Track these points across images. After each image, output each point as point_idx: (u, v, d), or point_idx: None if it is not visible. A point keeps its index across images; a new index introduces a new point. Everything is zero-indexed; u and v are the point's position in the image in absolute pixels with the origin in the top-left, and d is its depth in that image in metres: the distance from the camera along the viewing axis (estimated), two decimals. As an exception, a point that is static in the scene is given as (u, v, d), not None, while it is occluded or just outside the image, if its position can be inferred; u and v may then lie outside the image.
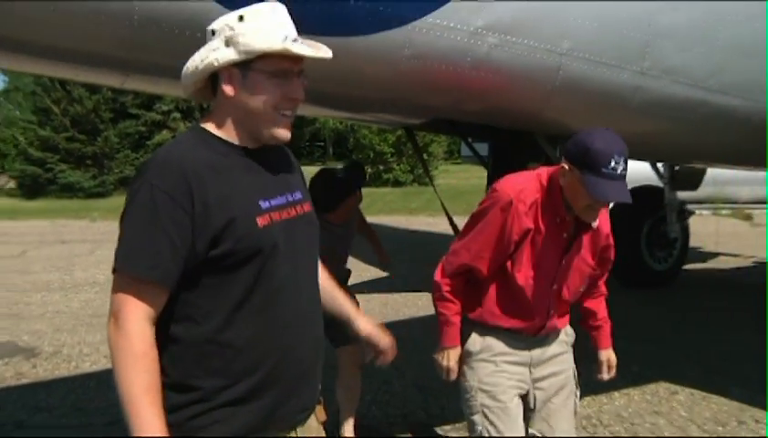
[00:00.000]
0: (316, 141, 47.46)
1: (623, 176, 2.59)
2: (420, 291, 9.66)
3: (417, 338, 7.49)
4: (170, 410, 1.85)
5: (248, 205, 1.93)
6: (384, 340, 2.49)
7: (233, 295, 1.93)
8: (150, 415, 1.78)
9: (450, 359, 3.00)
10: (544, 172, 2.85)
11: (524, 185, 2.79)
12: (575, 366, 3.13)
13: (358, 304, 2.83)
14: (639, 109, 3.90)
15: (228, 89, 1.95)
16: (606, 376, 3.25)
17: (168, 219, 1.84)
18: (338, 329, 4.24)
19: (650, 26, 3.72)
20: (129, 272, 1.85)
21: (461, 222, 5.27)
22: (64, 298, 9.82)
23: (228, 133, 2.01)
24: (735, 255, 12.64)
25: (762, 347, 6.92)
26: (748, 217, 17.53)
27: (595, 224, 2.82)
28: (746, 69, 3.95)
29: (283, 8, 1.98)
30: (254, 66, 1.92)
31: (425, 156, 33.50)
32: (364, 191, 4.93)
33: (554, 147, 3.97)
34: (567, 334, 3.13)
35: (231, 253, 1.89)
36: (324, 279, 2.41)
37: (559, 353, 3.06)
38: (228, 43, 1.92)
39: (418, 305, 9.10)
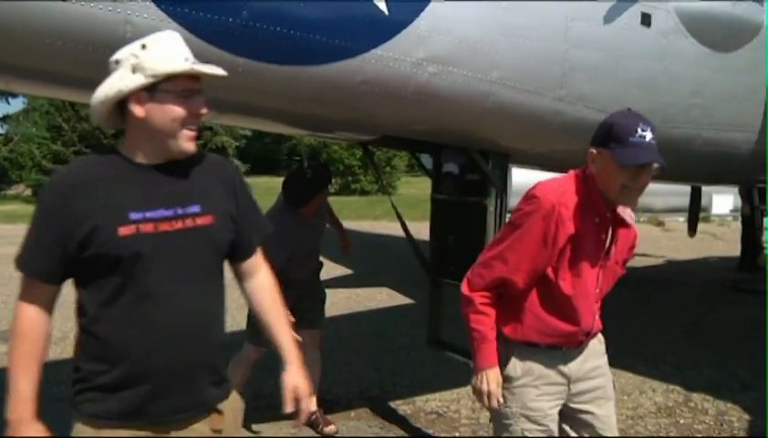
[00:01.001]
0: (294, 155, 47.35)
1: (653, 145, 2.24)
2: (381, 286, 9.73)
3: (376, 326, 7.60)
4: (71, 385, 2.00)
5: (114, 216, 1.89)
6: (304, 399, 2.19)
7: (103, 294, 1.92)
8: (17, 381, 1.91)
9: (490, 382, 2.48)
10: (578, 172, 2.44)
11: (565, 188, 2.38)
12: (611, 375, 2.73)
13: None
14: (559, 129, 3.98)
15: (138, 111, 1.91)
16: None
17: (47, 225, 1.91)
18: (301, 315, 4.31)
19: (566, 60, 3.80)
20: (21, 270, 1.96)
21: (418, 226, 5.36)
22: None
23: (134, 152, 1.97)
24: (649, 256, 12.89)
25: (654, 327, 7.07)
26: (660, 223, 17.89)
27: (632, 219, 2.48)
28: (641, 99, 4.05)
29: (178, 35, 1.98)
30: (160, 87, 1.90)
31: (388, 169, 33.62)
32: (334, 200, 4.98)
33: (486, 161, 4.04)
34: (601, 341, 2.71)
35: (95, 257, 1.89)
36: (267, 303, 2.28)
37: (598, 366, 2.64)
38: (134, 70, 1.90)
39: (377, 299, 9.16)
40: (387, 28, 3.29)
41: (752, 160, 5.23)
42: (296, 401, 2.17)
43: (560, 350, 2.53)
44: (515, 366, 2.51)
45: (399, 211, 5.01)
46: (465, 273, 4.20)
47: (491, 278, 2.45)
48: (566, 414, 2.61)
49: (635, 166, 2.24)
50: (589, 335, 2.55)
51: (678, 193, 11.52)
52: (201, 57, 2.86)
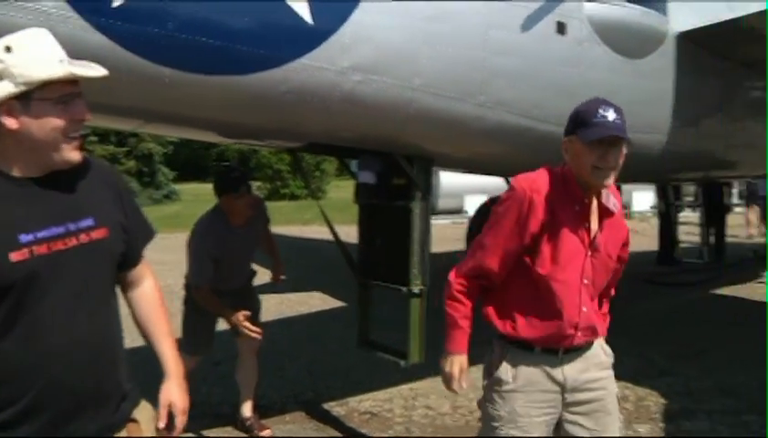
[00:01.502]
0: (223, 161, 46.76)
1: (617, 123, 2.32)
2: (312, 290, 9.76)
3: (308, 330, 7.65)
4: None
5: (2, 241, 1.71)
6: (179, 416, 2.10)
7: None
8: None
9: (453, 365, 2.55)
10: (556, 167, 2.52)
11: (539, 178, 2.44)
12: (617, 390, 2.68)
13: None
14: (481, 134, 4.12)
15: (10, 123, 1.71)
16: None
17: None
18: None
19: (486, 67, 3.94)
20: None
21: (348, 230, 5.43)
22: None
23: (8, 165, 1.77)
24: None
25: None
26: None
27: (615, 207, 2.48)
28: (559, 103, 4.20)
29: (47, 32, 1.79)
30: (35, 95, 1.71)
31: (318, 173, 33.52)
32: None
33: (411, 165, 4.14)
34: (607, 354, 2.66)
35: None
36: (151, 313, 2.16)
37: (599, 378, 2.58)
38: (1, 77, 1.70)
39: (309, 303, 9.19)
40: (311, 38, 3.36)
41: (663, 160, 5.49)
42: (170, 416, 2.08)
43: (556, 355, 2.51)
44: (507, 370, 2.51)
45: (329, 215, 5.08)
46: (393, 275, 4.36)
47: (470, 266, 2.53)
48: (560, 425, 2.58)
49: (601, 145, 2.32)
50: (578, 329, 2.47)
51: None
52: (126, 68, 2.92)
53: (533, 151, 4.45)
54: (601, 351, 2.64)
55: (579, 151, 2.36)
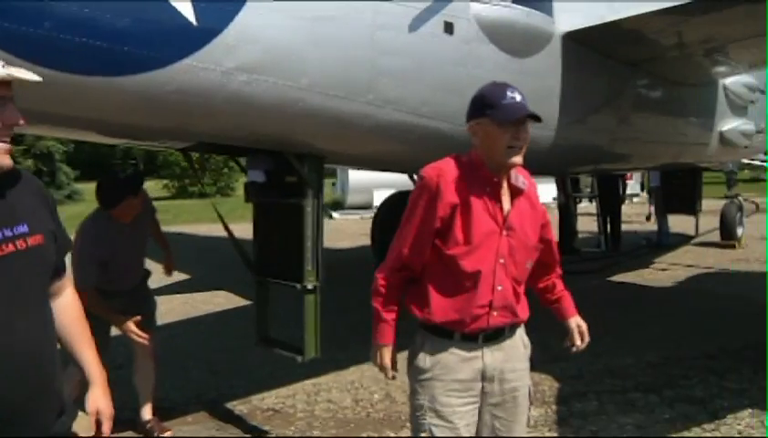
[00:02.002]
0: (129, 158, 45.43)
1: (525, 103, 2.45)
2: (218, 289, 9.68)
3: (212, 330, 7.60)
4: None
5: None
6: (106, 422, 2.11)
7: None
8: None
9: (383, 357, 2.59)
10: (462, 155, 2.55)
11: (445, 164, 2.49)
12: (530, 383, 2.70)
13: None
14: (370, 131, 4.22)
15: None
16: (580, 342, 2.89)
17: None
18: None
19: (373, 66, 4.04)
20: None
21: (248, 227, 5.43)
22: None
23: None
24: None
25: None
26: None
27: (525, 185, 2.55)
28: (448, 101, 4.35)
29: None
30: None
31: (226, 170, 32.85)
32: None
33: (302, 163, 4.20)
34: (525, 345, 2.71)
35: None
36: (73, 322, 2.17)
37: (516, 369, 2.62)
38: None
39: (214, 302, 9.11)
40: (195, 39, 3.37)
41: (552, 153, 5.73)
42: (99, 423, 2.09)
43: (476, 342, 2.52)
44: (425, 358, 2.54)
45: (237, 212, 5.09)
46: (288, 272, 4.41)
47: (391, 258, 2.57)
48: (479, 415, 2.59)
49: (514, 124, 2.40)
50: (492, 308, 2.48)
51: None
52: (0, 68, 2.86)
53: (423, 148, 4.57)
54: (521, 342, 2.68)
55: (491, 133, 2.42)
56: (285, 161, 4.17)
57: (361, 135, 4.22)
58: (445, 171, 2.48)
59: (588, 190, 11.76)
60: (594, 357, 6.10)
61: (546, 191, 14.42)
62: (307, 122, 3.89)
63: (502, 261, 2.48)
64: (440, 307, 2.50)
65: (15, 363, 1.77)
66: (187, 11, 3.31)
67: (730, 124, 8.86)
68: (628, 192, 17.83)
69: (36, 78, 1.80)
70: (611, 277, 9.84)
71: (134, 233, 4.45)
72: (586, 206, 15.42)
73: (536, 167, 6.93)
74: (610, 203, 11.67)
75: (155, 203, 4.90)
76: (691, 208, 11.38)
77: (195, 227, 16.85)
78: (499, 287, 2.49)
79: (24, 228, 1.80)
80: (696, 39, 6.01)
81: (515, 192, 2.54)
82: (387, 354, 2.60)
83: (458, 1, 4.48)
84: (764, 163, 15.58)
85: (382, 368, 2.61)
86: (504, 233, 2.49)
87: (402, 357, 2.69)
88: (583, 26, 5.43)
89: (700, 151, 8.72)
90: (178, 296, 9.27)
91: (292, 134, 3.96)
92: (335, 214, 21.49)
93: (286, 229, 4.37)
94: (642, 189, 18.65)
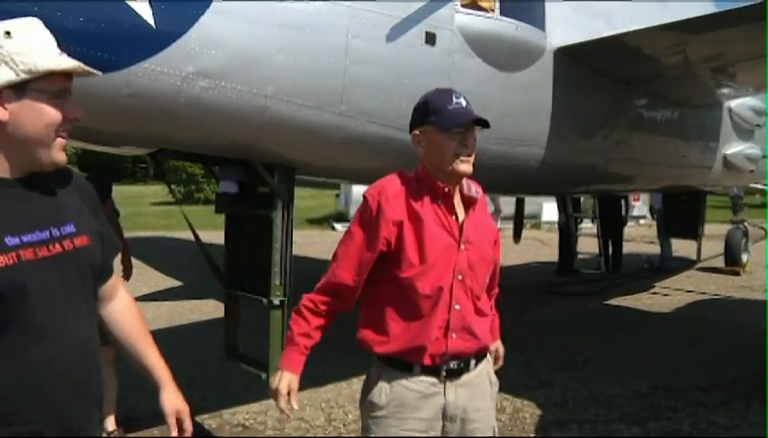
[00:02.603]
0: (139, 163, 45.40)
1: (471, 108, 2.28)
2: (209, 298, 9.53)
3: (195, 338, 7.45)
4: None
5: None
6: (186, 420, 2.07)
7: None
8: None
9: (280, 381, 2.33)
10: (409, 171, 2.38)
11: (387, 182, 2.31)
12: (495, 424, 2.51)
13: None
14: (342, 143, 4.07)
15: (1, 114, 1.59)
16: (494, 366, 2.65)
17: None
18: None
19: (347, 76, 3.90)
20: None
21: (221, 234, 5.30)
22: None
23: None
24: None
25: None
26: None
27: (478, 194, 2.38)
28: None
29: (41, 23, 1.69)
30: (33, 86, 1.61)
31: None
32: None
33: (271, 174, 4.06)
34: (493, 383, 2.50)
35: None
36: (131, 326, 2.09)
37: (480, 409, 2.41)
38: None
39: (203, 310, 8.96)
40: (154, 42, 3.25)
41: (540, 173, 5.57)
42: (180, 422, 2.06)
43: (437, 377, 2.31)
44: (381, 392, 2.32)
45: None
46: (256, 286, 4.27)
47: (323, 281, 2.35)
48: None
49: (461, 130, 2.24)
50: (450, 330, 2.28)
51: (510, 202, 12.08)
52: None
53: (402, 161, 4.39)
54: (487, 379, 2.48)
55: (437, 141, 2.26)
56: (257, 171, 4.03)
57: (333, 146, 4.07)
58: (387, 188, 2.29)
59: (591, 210, 11.59)
60: (580, 383, 5.92)
61: (554, 209, 14.25)
62: (275, 131, 3.76)
63: (460, 277, 2.29)
64: (396, 335, 2.29)
65: (75, 370, 1.73)
66: (145, 13, 3.19)
67: (734, 148, 8.68)
68: (635, 213, 17.60)
69: (98, 73, 1.78)
70: (609, 301, 9.62)
71: None
72: (589, 226, 15.22)
73: (519, 186, 6.90)
74: (612, 224, 11.46)
75: (161, 209, 4.78)
76: (693, 232, 11.15)
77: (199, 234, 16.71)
78: (456, 306, 2.28)
79: (71, 228, 1.74)
80: (700, 58, 5.84)
81: (468, 202, 2.38)
82: (286, 382, 2.32)
83: (441, 10, 4.33)
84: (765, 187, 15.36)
85: (277, 394, 2.33)
86: (462, 246, 2.30)
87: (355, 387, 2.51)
88: (577, 42, 5.27)
89: (703, 175, 8.53)
90: (167, 303, 9.15)
91: (258, 143, 3.82)
92: (337, 226, 21.37)
93: (256, 241, 4.23)
94: (651, 212, 18.36)
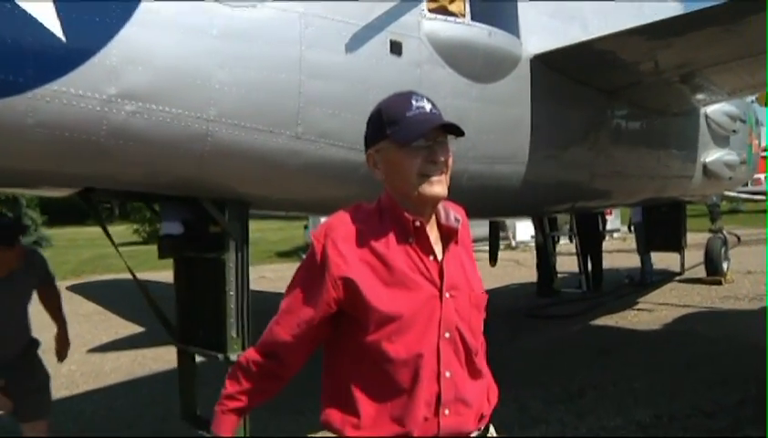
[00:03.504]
0: (103, 202, 43.86)
1: (437, 113, 1.74)
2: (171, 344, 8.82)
3: (154, 393, 6.73)
4: None
5: None
6: None
7: None
8: None
9: None
10: (370, 202, 1.85)
11: (337, 221, 1.77)
12: None
13: None
14: (301, 171, 3.47)
15: None
16: None
17: None
18: (17, 404, 3.51)
19: (302, 93, 3.31)
20: None
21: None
22: None
23: None
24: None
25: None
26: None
27: (458, 222, 1.81)
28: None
29: None
30: None
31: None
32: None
33: (221, 211, 3.45)
34: None
35: None
36: None
37: None
38: None
39: (166, 359, 8.22)
40: (64, 59, 2.63)
41: (523, 191, 5.03)
42: None
43: None
44: None
45: None
46: (210, 339, 3.65)
47: (263, 337, 1.84)
48: None
49: (426, 143, 1.70)
50: (442, 404, 1.72)
51: (482, 224, 11.64)
52: None
53: (372, 189, 3.83)
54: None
55: (398, 160, 1.71)
56: (204, 208, 3.41)
57: (291, 176, 3.46)
58: (335, 228, 1.75)
59: (567, 227, 11.12)
60: (578, 417, 5.39)
61: (526, 228, 13.80)
62: (220, 161, 3.14)
63: (448, 335, 1.73)
64: (369, 416, 1.71)
65: None
66: (52, 23, 2.57)
67: (713, 155, 8.34)
68: (608, 227, 17.19)
69: None
70: (594, 321, 9.11)
71: (7, 292, 3.65)
72: (565, 244, 14.78)
73: (506, 208, 6.39)
74: (590, 240, 10.99)
75: (125, 249, 4.03)
76: (677, 245, 10.70)
77: (162, 274, 15.98)
78: (447, 374, 1.72)
79: None
80: (674, 63, 5.46)
81: (448, 235, 1.81)
82: None
83: (407, 16, 3.78)
84: (741, 195, 15.11)
85: None
86: (447, 294, 1.74)
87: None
88: (553, 48, 4.76)
89: (684, 185, 8.10)
90: (127, 352, 8.43)
91: (202, 176, 3.20)
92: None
93: (208, 288, 3.61)
94: (628, 226, 17.98)
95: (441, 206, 1.82)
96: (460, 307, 1.77)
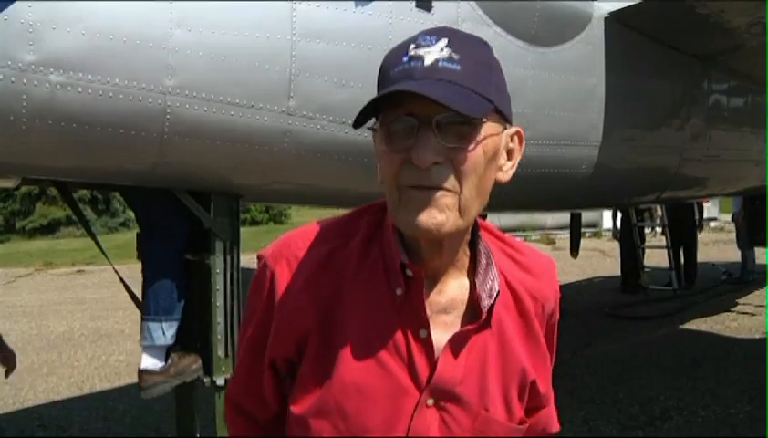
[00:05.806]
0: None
1: (448, 67, 0.97)
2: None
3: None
4: None
5: None
6: None
7: None
8: None
9: None
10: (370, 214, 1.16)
11: (298, 235, 1.15)
12: None
13: None
14: (297, 154, 2.80)
15: None
16: None
17: None
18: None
19: (294, 58, 2.63)
20: None
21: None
22: None
23: None
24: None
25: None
26: (552, 242, 17.15)
27: (491, 298, 1.08)
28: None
29: None
30: None
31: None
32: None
33: (204, 206, 2.84)
34: None
35: None
36: None
37: None
38: None
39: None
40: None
41: (595, 180, 4.23)
42: None
43: None
44: None
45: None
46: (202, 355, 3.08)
47: (228, 392, 1.31)
48: None
49: (401, 125, 1.00)
50: None
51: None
52: None
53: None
54: None
55: (378, 152, 1.04)
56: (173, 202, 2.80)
57: (282, 161, 2.79)
58: (286, 254, 1.12)
59: (658, 218, 10.15)
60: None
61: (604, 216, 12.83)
62: (188, 143, 2.51)
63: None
64: None
65: None
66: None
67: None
68: (705, 216, 15.93)
69: None
70: (685, 325, 8.18)
71: None
72: (653, 235, 13.71)
73: (574, 199, 5.59)
74: (683, 232, 9.98)
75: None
76: (784, 240, 9.58)
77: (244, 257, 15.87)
78: None
79: None
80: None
81: (473, 310, 1.09)
82: None
83: (439, -37, 3.06)
84: None
85: None
86: (428, 401, 1.06)
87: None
88: (633, 3, 3.95)
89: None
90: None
91: (167, 162, 2.56)
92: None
93: (192, 298, 3.02)
94: (731, 216, 16.62)
95: (482, 248, 1.10)
96: (455, 429, 1.08)
